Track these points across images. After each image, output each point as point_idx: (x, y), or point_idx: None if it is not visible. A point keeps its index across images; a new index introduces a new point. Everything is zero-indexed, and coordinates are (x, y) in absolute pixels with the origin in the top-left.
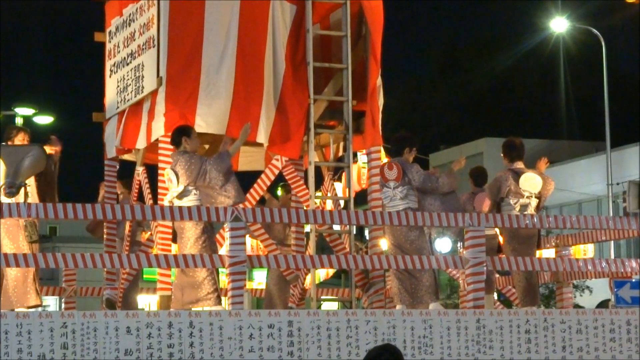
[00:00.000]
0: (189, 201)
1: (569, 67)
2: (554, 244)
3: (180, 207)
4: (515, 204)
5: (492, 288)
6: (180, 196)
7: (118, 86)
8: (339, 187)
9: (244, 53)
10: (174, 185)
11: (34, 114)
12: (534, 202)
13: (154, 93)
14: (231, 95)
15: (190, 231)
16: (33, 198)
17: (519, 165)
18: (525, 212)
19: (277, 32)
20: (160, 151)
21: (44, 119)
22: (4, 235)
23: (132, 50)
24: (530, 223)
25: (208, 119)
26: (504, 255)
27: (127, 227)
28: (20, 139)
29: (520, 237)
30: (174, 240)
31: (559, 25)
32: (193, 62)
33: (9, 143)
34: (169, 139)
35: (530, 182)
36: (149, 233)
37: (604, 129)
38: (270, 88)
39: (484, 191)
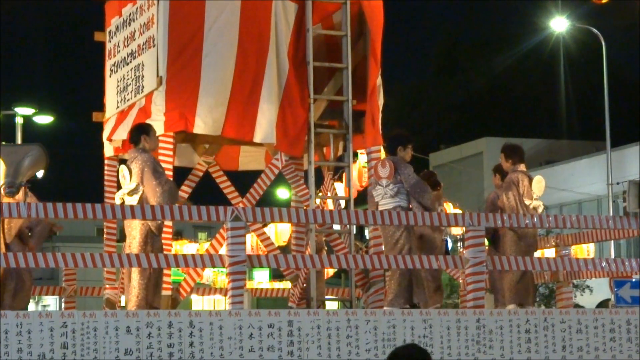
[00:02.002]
0: (134, 202)
1: (569, 67)
2: (554, 243)
3: (180, 207)
4: (529, 205)
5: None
6: (132, 193)
7: (118, 86)
8: (339, 186)
9: (244, 53)
10: (126, 182)
11: (34, 114)
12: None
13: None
14: (228, 96)
15: (135, 230)
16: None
17: (524, 167)
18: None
19: (280, 31)
20: (160, 150)
21: (44, 119)
22: None
23: (132, 50)
24: (530, 223)
25: (207, 119)
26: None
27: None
28: None
29: (529, 238)
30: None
31: (559, 25)
32: (193, 61)
33: None
34: (168, 138)
35: (540, 184)
36: None
37: (604, 128)
38: (274, 86)
39: None
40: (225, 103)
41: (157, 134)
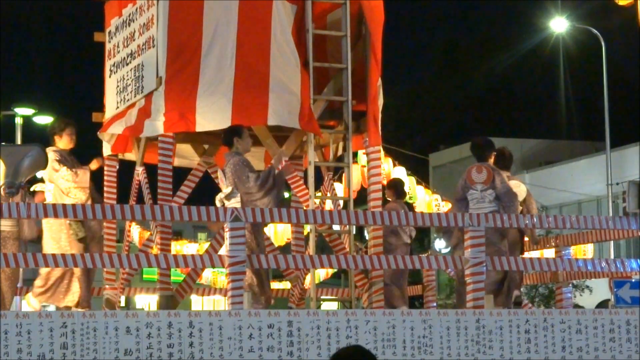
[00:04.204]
0: (236, 203)
1: (569, 67)
2: (553, 244)
3: (180, 207)
4: None
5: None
6: (229, 197)
7: (118, 86)
8: (338, 187)
9: (244, 51)
10: (224, 186)
11: (34, 114)
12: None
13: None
14: (232, 89)
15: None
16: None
17: (505, 174)
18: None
19: (283, 30)
20: (160, 151)
21: (44, 119)
22: (47, 235)
23: (131, 50)
24: (530, 223)
25: (208, 115)
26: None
27: (127, 228)
28: (68, 133)
29: (508, 243)
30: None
31: (559, 25)
32: (192, 62)
33: (57, 138)
34: (168, 139)
35: (516, 189)
36: (149, 233)
37: (604, 129)
38: (285, 78)
39: None
40: (228, 96)
41: (159, 134)
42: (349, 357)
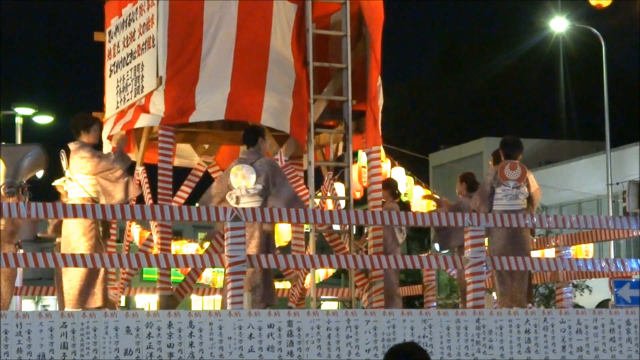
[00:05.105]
0: (256, 202)
1: (569, 67)
2: (553, 244)
3: (180, 207)
4: None
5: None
6: (262, 193)
7: (118, 86)
8: (339, 187)
9: (244, 49)
10: (250, 182)
11: (34, 114)
12: None
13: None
14: (229, 86)
15: (255, 233)
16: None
17: None
18: None
19: (283, 30)
20: (160, 150)
21: (44, 119)
22: (75, 231)
23: (131, 50)
24: (530, 223)
25: (205, 109)
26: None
27: (127, 228)
28: (96, 129)
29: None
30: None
31: (559, 25)
32: (192, 61)
33: (83, 132)
34: (169, 138)
35: None
36: (149, 233)
37: (604, 128)
38: (281, 81)
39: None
40: (226, 90)
41: (156, 134)
42: (405, 355)
